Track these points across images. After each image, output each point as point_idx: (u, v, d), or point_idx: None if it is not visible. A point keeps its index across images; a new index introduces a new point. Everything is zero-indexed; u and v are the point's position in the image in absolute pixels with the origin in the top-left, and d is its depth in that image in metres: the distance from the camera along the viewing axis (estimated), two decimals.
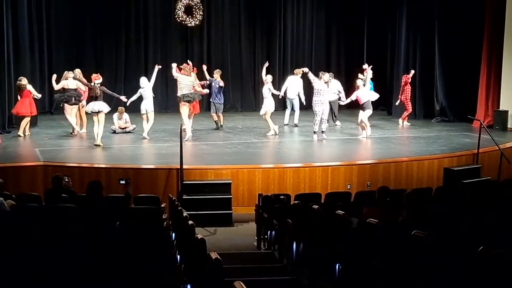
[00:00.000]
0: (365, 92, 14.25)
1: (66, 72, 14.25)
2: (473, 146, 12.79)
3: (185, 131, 13.07)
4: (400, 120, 16.35)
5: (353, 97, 14.30)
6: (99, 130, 12.82)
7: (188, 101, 13.50)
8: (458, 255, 4.29)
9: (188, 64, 14.38)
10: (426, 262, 4.40)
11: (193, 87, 13.75)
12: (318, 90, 13.60)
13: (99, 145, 12.76)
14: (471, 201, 7.62)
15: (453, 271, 4.19)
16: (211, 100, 15.27)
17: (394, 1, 18.42)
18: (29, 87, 13.91)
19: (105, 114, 13.01)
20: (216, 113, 15.27)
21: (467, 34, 16.50)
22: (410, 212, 6.34)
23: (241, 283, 3.57)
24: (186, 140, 12.96)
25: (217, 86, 15.02)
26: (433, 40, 17.15)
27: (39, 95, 14.29)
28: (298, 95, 15.83)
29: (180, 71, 13.87)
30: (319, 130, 13.78)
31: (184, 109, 13.49)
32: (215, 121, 15.39)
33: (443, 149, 12.95)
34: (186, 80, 13.59)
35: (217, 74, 15.17)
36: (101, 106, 12.89)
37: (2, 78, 14.28)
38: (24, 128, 13.91)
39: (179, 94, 13.54)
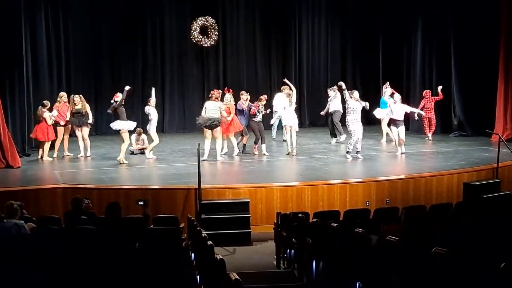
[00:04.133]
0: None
1: (72, 95, 14.41)
2: (492, 160, 12.68)
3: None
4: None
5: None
6: (122, 147, 13.25)
7: (209, 127, 13.28)
8: (480, 272, 4.24)
9: (215, 90, 14.14)
10: (447, 279, 4.36)
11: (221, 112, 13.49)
12: (352, 108, 13.35)
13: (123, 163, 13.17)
14: (492, 216, 7.54)
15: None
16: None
17: (409, 15, 18.42)
18: (45, 115, 13.95)
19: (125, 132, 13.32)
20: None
21: (484, 48, 16.42)
22: (430, 228, 6.29)
23: None
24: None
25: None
26: (449, 54, 17.10)
27: (51, 122, 14.15)
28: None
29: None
30: (354, 150, 13.46)
31: (206, 133, 13.43)
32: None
33: (462, 164, 12.85)
34: (212, 105, 13.43)
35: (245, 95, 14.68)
36: (122, 124, 13.21)
37: (21, 101, 14.45)
38: (43, 152, 14.01)
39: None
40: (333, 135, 15.91)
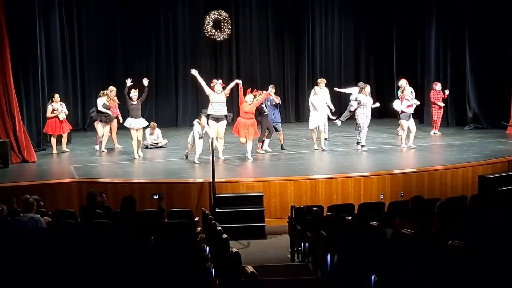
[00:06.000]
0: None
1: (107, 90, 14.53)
2: (508, 152, 12.62)
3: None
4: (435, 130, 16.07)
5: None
6: (134, 144, 13.27)
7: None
8: (496, 265, 4.22)
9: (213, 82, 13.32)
10: (464, 272, 4.34)
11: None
12: (363, 103, 13.50)
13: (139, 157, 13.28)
14: (508, 209, 7.50)
15: (492, 281, 4.13)
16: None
17: (422, 9, 18.30)
18: (48, 107, 14.02)
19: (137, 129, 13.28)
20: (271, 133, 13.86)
21: (498, 40, 16.29)
22: (445, 221, 6.26)
23: None
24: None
25: (272, 104, 13.75)
26: (463, 47, 16.97)
27: (62, 114, 14.09)
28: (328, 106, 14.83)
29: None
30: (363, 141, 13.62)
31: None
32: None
33: (477, 156, 12.77)
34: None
35: (272, 89, 13.87)
36: (140, 122, 13.27)
37: (36, 96, 14.53)
38: (56, 146, 14.10)
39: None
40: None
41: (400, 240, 5.70)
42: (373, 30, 20.17)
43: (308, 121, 14.42)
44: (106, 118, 14.16)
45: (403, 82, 14.70)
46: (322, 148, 13.89)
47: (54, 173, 12.29)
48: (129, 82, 13.17)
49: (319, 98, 14.02)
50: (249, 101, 12.92)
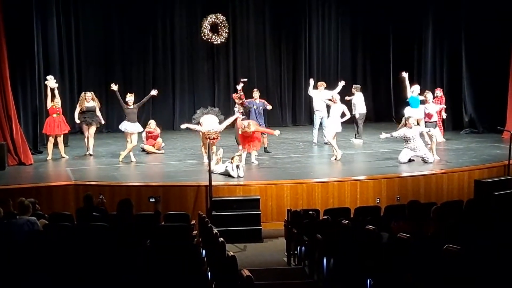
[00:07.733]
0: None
1: (83, 93, 14.30)
2: (504, 157, 12.63)
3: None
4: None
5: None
6: (127, 148, 13.20)
7: None
8: (491, 269, 4.24)
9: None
10: (459, 276, 4.36)
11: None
12: (411, 137, 12.51)
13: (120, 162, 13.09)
14: (503, 213, 7.53)
15: (487, 285, 4.15)
16: None
17: (419, 12, 18.37)
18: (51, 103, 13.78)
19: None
20: None
21: (495, 44, 16.35)
22: (441, 225, 6.28)
23: None
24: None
25: (254, 107, 13.82)
26: (460, 50, 17.03)
27: (51, 81, 13.77)
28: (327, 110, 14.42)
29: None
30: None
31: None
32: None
33: (473, 161, 12.81)
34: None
35: (256, 93, 14.16)
36: (135, 126, 13.22)
37: (33, 100, 14.53)
38: (52, 151, 13.69)
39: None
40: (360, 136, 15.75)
41: (396, 244, 5.72)
42: (370, 34, 20.20)
43: (325, 129, 14.07)
44: (89, 119, 13.93)
45: (417, 88, 14.40)
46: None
47: (51, 176, 12.29)
48: (114, 87, 13.22)
49: (338, 106, 13.43)
50: (247, 127, 12.58)
